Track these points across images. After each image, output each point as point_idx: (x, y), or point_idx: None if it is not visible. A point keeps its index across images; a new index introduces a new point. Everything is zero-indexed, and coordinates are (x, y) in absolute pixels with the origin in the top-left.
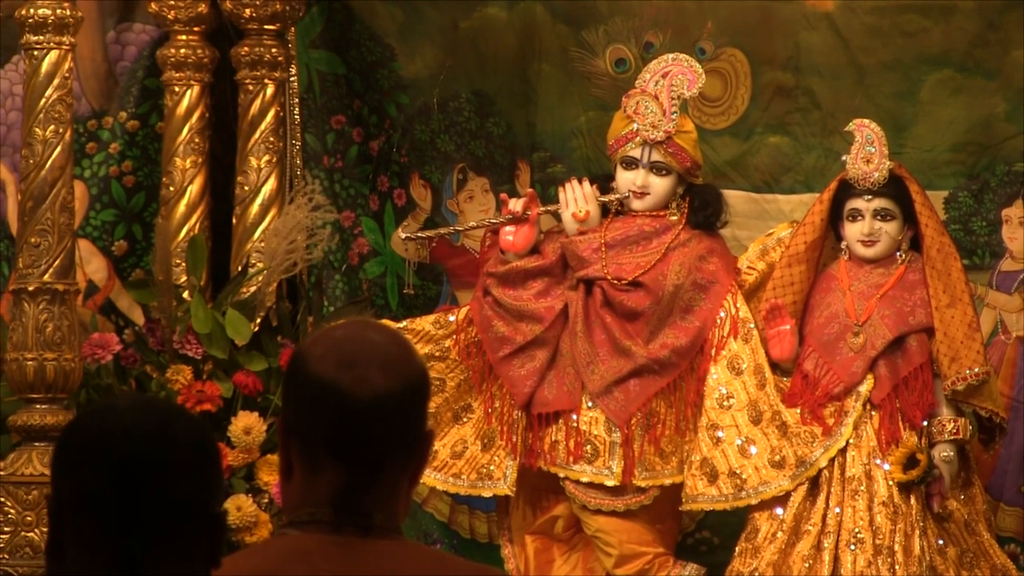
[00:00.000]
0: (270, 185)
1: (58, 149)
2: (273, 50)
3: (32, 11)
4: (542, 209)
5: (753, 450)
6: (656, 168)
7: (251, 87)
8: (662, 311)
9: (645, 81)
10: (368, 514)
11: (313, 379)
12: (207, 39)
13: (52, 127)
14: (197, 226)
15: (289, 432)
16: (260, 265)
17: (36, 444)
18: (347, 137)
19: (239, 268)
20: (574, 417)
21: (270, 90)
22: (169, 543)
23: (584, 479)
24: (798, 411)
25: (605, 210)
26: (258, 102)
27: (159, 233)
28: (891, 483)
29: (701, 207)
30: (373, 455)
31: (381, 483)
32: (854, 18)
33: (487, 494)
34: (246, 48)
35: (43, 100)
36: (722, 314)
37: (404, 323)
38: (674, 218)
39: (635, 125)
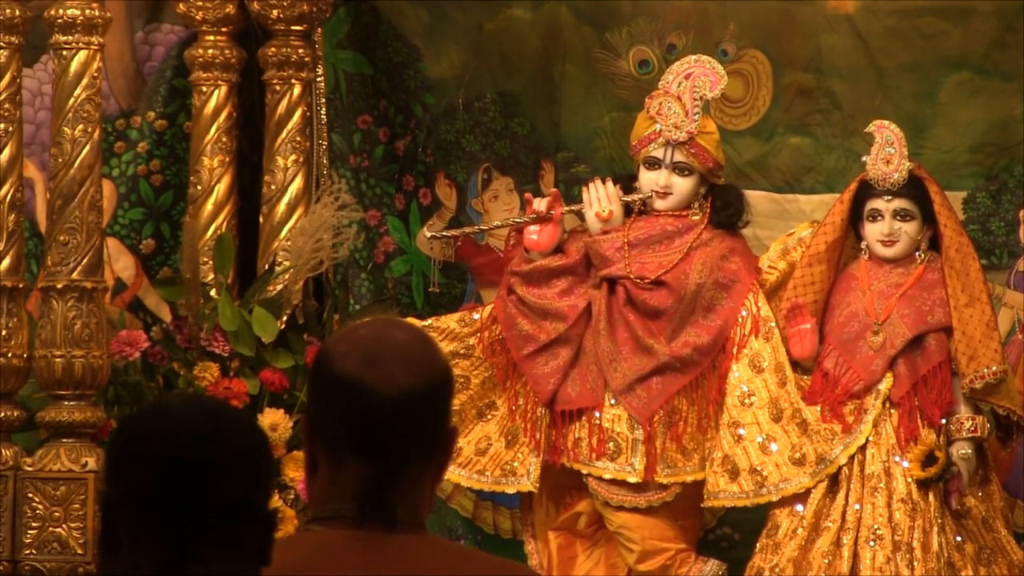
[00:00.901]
0: (297, 184)
1: (87, 148)
2: (300, 51)
3: (61, 11)
4: (566, 208)
5: (774, 447)
6: (678, 168)
7: (278, 87)
8: (684, 310)
9: (668, 82)
10: (392, 510)
11: (338, 376)
12: (235, 40)
13: (81, 126)
14: (224, 225)
15: (314, 429)
16: (287, 263)
17: (64, 440)
18: (373, 137)
19: (266, 266)
20: (597, 414)
21: (297, 90)
22: (219, 540)
23: (607, 476)
24: (818, 409)
25: (628, 210)
26: (285, 102)
27: (187, 231)
28: (910, 480)
29: (723, 207)
30: (397, 451)
31: (405, 479)
32: (874, 20)
33: (511, 490)
34: (273, 48)
35: (72, 99)
36: (743, 313)
37: (429, 321)
38: (696, 218)
39: (658, 126)
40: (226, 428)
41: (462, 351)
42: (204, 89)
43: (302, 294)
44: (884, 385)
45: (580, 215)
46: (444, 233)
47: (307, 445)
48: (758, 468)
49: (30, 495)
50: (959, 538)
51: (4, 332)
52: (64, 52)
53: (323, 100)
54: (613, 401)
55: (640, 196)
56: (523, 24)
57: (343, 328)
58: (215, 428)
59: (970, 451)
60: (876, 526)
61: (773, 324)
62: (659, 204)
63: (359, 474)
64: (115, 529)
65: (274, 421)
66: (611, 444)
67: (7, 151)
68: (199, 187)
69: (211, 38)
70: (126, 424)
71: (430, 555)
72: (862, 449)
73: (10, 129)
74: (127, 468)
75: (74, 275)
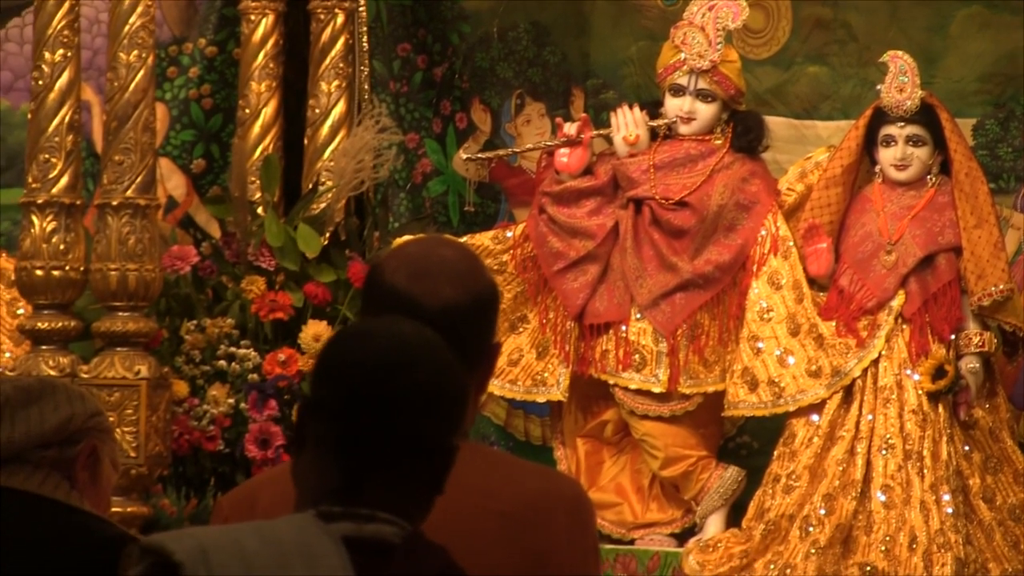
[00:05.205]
0: (339, 108)
1: (141, 73)
2: None
3: None
4: (595, 133)
5: (791, 360)
6: (702, 95)
7: (323, 16)
8: (707, 229)
9: (692, 13)
10: None
11: (387, 289)
12: None
13: (136, 52)
14: (271, 146)
15: None
16: (330, 183)
17: (118, 349)
18: (412, 64)
19: (310, 186)
20: (623, 328)
21: (340, 19)
22: (392, 467)
23: (632, 386)
24: (834, 324)
25: (654, 134)
26: (329, 30)
27: (235, 152)
28: (920, 392)
29: (744, 132)
30: None
31: None
32: None
33: (541, 399)
34: None
35: (127, 27)
36: (763, 232)
37: (464, 239)
38: (719, 142)
39: (683, 55)
40: (419, 363)
41: (495, 267)
42: (252, 17)
43: (344, 212)
44: (896, 302)
45: (608, 139)
46: (479, 155)
47: None
48: (776, 380)
49: None
50: (967, 447)
51: (62, 246)
52: None
53: (365, 28)
54: (639, 315)
55: (665, 121)
56: None
57: (394, 245)
58: (408, 362)
59: (978, 365)
60: (888, 436)
61: (791, 243)
62: (683, 129)
63: None
64: (305, 432)
65: (317, 332)
66: (637, 356)
67: (66, 75)
68: (247, 111)
69: None
70: (333, 341)
71: (474, 460)
72: (875, 362)
73: (68, 55)
74: (322, 383)
75: (128, 193)
